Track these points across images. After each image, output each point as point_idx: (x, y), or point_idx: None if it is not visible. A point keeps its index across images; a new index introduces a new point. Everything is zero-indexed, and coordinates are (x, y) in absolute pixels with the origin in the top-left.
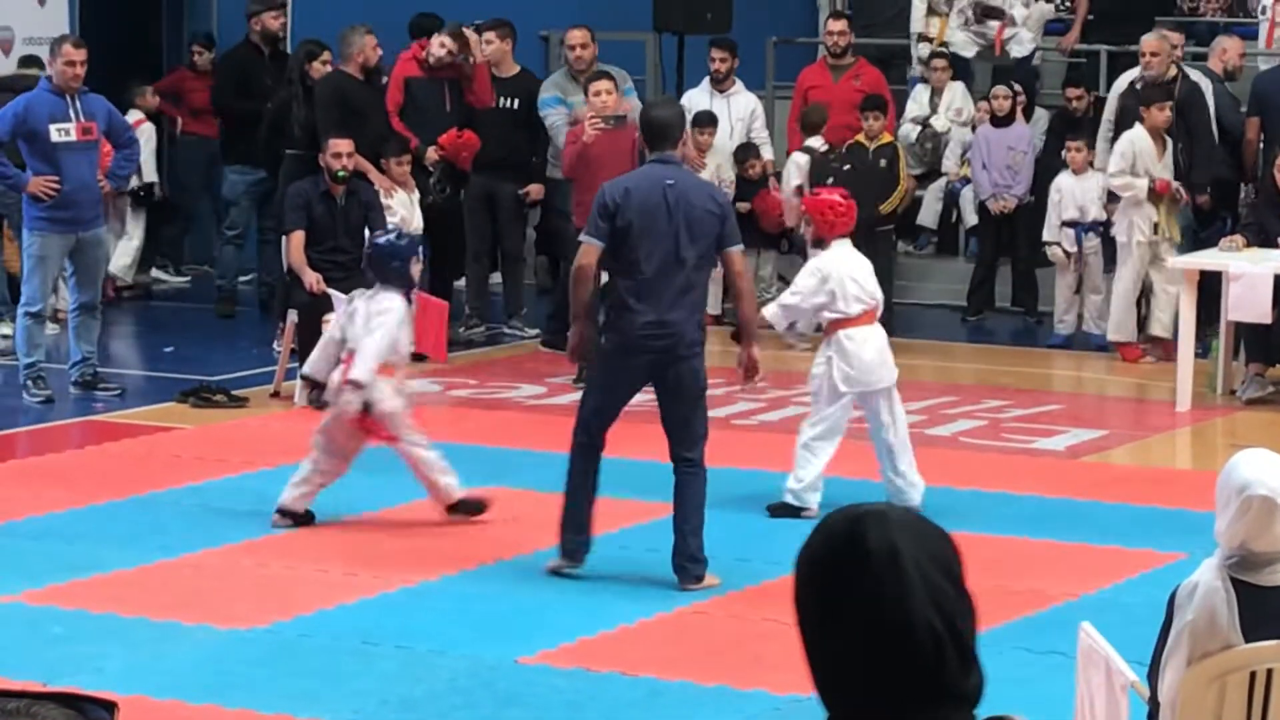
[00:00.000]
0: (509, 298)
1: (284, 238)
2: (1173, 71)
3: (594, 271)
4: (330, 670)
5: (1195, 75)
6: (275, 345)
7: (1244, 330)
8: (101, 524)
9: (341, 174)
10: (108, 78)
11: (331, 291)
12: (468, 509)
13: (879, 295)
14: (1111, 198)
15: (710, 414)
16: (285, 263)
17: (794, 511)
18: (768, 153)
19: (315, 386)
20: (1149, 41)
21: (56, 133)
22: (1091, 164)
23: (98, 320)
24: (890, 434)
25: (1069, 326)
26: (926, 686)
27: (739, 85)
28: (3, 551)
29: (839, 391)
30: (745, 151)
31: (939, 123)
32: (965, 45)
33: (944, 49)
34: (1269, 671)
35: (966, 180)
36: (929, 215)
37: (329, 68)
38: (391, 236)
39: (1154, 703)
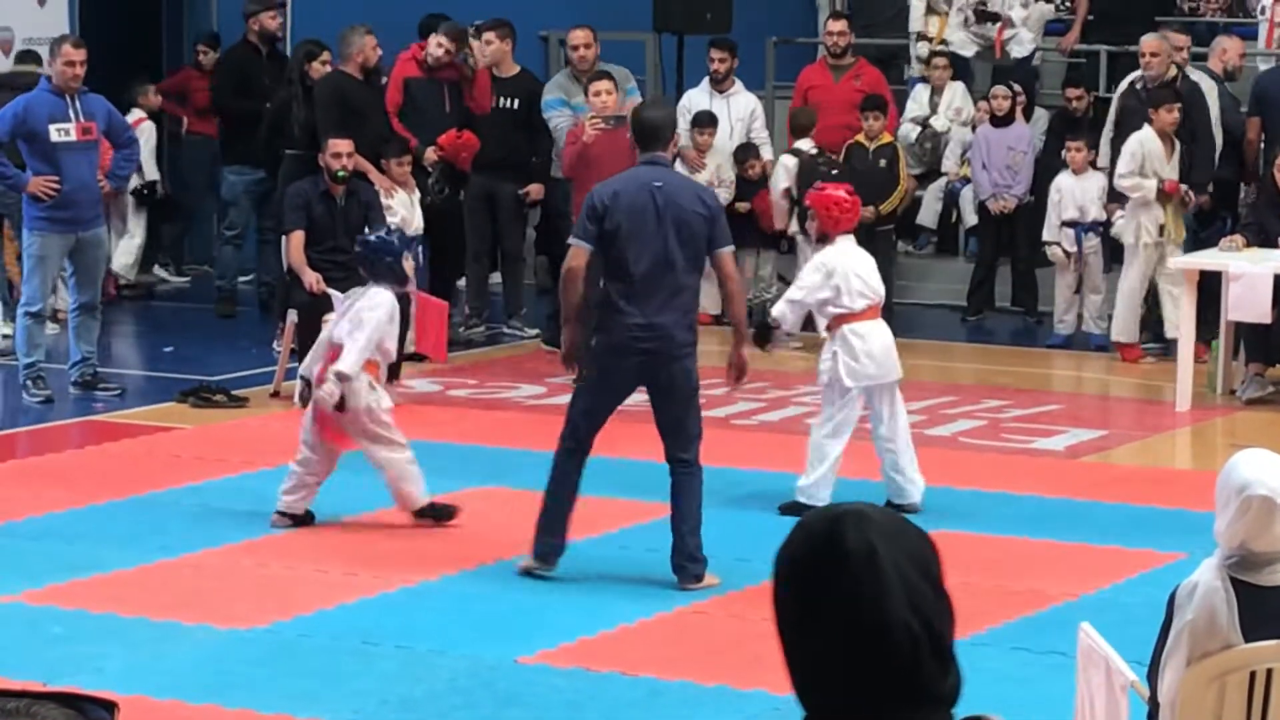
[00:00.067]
0: (509, 298)
1: (284, 238)
2: (1172, 71)
3: (583, 274)
4: (330, 670)
5: (1196, 75)
6: (275, 345)
7: (1244, 330)
8: (101, 524)
9: (341, 174)
10: (108, 78)
11: (331, 291)
12: (435, 515)
13: (882, 291)
14: (1111, 198)
15: (710, 414)
16: (285, 263)
17: (806, 510)
18: (767, 153)
19: (310, 386)
20: (1149, 42)
21: (56, 133)
22: (1092, 164)
23: (97, 320)
24: (892, 431)
25: (1069, 326)
26: (903, 687)
27: (739, 85)
28: (3, 551)
29: (845, 387)
30: (745, 152)
31: (938, 123)
32: (964, 45)
33: (944, 46)
34: (1269, 671)
35: (966, 180)
36: (929, 215)
37: (329, 68)
38: (382, 232)
39: (1154, 703)
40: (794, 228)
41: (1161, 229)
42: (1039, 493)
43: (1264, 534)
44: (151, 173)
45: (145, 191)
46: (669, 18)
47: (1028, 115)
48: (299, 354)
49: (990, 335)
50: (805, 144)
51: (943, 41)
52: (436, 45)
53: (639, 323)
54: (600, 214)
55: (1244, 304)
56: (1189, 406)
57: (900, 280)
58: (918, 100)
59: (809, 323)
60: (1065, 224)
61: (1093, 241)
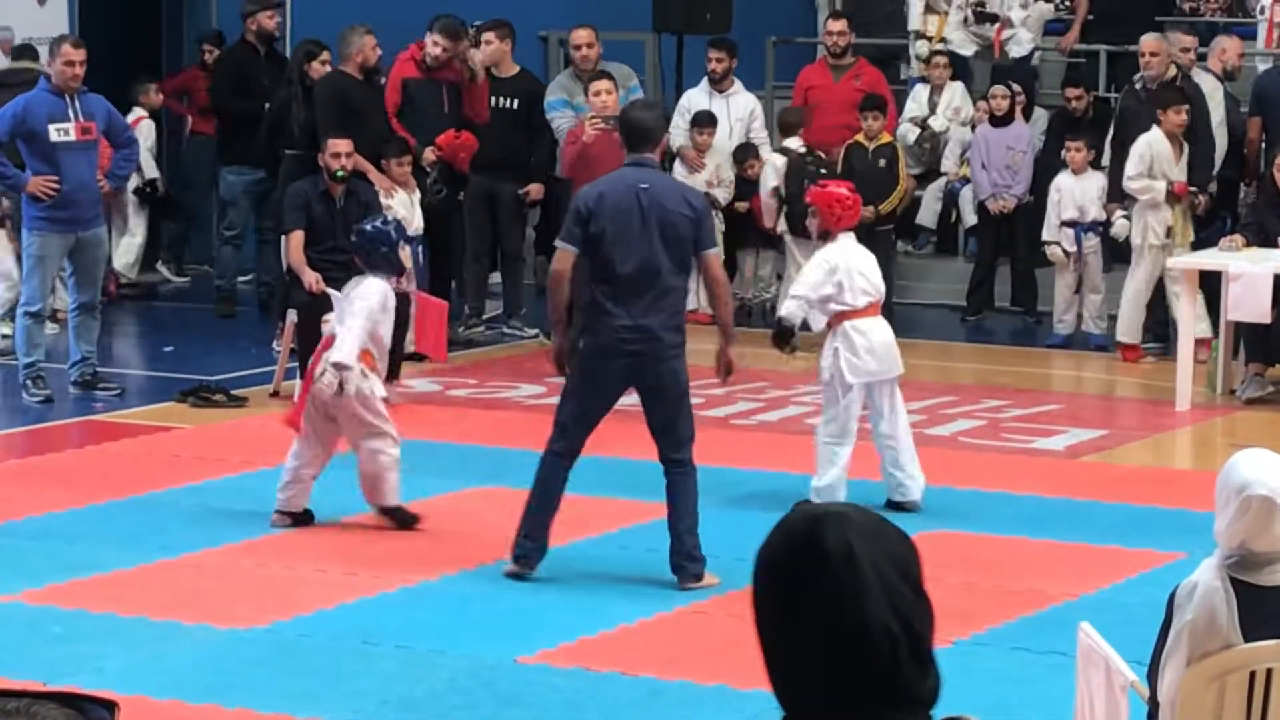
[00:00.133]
0: (509, 297)
1: (283, 237)
2: (1172, 71)
3: (568, 277)
4: (330, 670)
5: (1198, 75)
6: (275, 345)
7: (1244, 330)
8: (101, 524)
9: (340, 174)
10: (108, 77)
11: (331, 291)
12: (400, 518)
13: (883, 288)
14: (1110, 197)
15: (710, 414)
16: (285, 262)
17: None
18: (767, 153)
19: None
20: (1148, 41)
21: (56, 133)
22: (1092, 164)
23: (97, 320)
24: (892, 427)
25: (1068, 326)
26: (883, 687)
27: (738, 85)
28: (3, 551)
29: (848, 383)
30: (744, 152)
31: (937, 123)
32: (963, 43)
33: (943, 45)
34: (1268, 671)
35: (966, 180)
36: (928, 215)
37: (328, 68)
38: (378, 223)
39: (1154, 702)
40: (782, 226)
41: (1169, 231)
42: (1039, 493)
43: (1264, 534)
44: (151, 171)
45: (147, 190)
46: (668, 18)
47: (1027, 115)
48: (299, 354)
49: (990, 335)
50: (794, 142)
51: (942, 40)
52: (433, 44)
53: (626, 324)
54: (585, 217)
55: (1244, 304)
56: (1189, 406)
57: (900, 280)
58: (917, 100)
59: (804, 323)
60: (1065, 224)
61: (1092, 241)
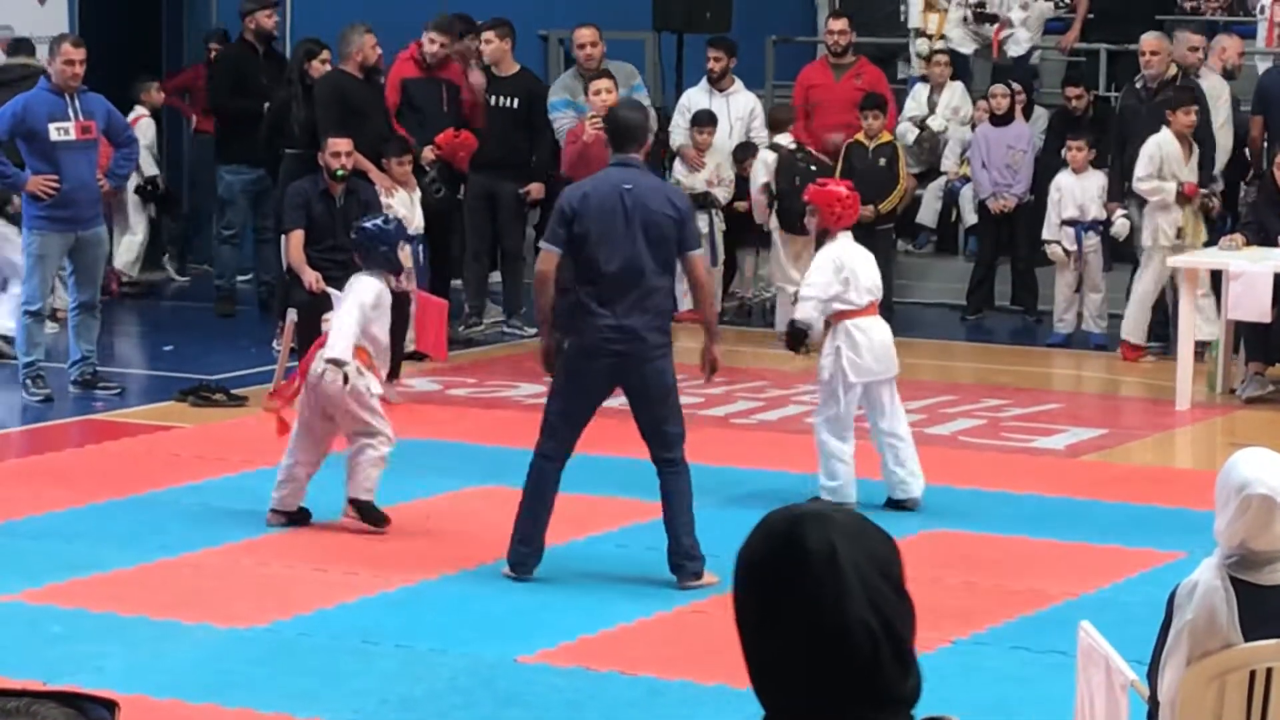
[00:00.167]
0: (509, 297)
1: (283, 237)
2: (1172, 70)
3: (553, 278)
4: (330, 670)
5: (1205, 75)
6: (275, 344)
7: (1244, 329)
8: (101, 523)
9: (340, 173)
10: (108, 76)
11: (331, 290)
12: (369, 515)
13: (881, 287)
14: (1111, 196)
15: (709, 413)
16: (285, 262)
17: None
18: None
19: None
20: (1149, 40)
21: (55, 132)
22: (1092, 163)
23: (97, 319)
24: (892, 426)
25: (1068, 325)
26: (864, 688)
27: (738, 84)
28: (3, 551)
29: (850, 382)
30: (744, 151)
31: (935, 122)
32: (963, 41)
33: (944, 41)
34: (1268, 671)
35: (966, 179)
36: (928, 214)
37: (328, 67)
38: (379, 221)
39: (1154, 702)
40: (774, 223)
41: (1179, 231)
42: (1039, 492)
43: (1264, 533)
44: (151, 168)
45: (147, 188)
46: (668, 17)
47: (1027, 114)
48: (298, 353)
49: (990, 334)
50: (784, 139)
51: (942, 38)
52: (429, 41)
53: (610, 324)
54: (569, 218)
55: (1244, 303)
56: (1189, 406)
57: (900, 279)
58: (916, 99)
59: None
60: (1065, 223)
61: (1092, 240)
